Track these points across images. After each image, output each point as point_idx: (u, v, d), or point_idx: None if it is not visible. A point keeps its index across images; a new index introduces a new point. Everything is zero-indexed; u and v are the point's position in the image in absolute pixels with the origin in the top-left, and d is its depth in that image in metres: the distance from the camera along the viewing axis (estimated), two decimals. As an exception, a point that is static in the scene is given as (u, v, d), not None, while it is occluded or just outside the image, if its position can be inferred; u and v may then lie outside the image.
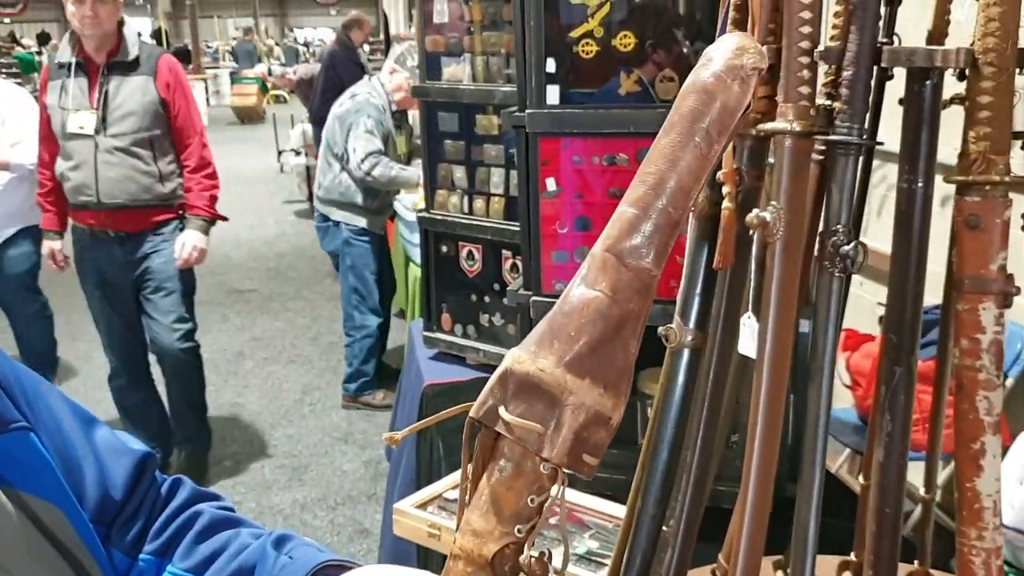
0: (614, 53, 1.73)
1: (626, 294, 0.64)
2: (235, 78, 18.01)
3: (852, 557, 1.38)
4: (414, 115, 4.44)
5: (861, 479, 1.27)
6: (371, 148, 3.88)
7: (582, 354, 0.62)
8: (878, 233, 1.08)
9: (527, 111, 1.79)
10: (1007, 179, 0.85)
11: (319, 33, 28.35)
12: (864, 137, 0.89)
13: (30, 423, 0.72)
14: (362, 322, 4.22)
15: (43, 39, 22.37)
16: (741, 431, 1.77)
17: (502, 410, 0.62)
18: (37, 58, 17.94)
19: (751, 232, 0.96)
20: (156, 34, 23.38)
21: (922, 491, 1.40)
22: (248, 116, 16.02)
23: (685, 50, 1.69)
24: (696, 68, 0.71)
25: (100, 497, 0.78)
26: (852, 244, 0.89)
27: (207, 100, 18.05)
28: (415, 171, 3.85)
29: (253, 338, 5.48)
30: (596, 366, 0.62)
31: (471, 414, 0.64)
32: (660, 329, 1.09)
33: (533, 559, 0.61)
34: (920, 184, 1.03)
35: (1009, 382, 2.88)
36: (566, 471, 0.63)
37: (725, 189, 0.99)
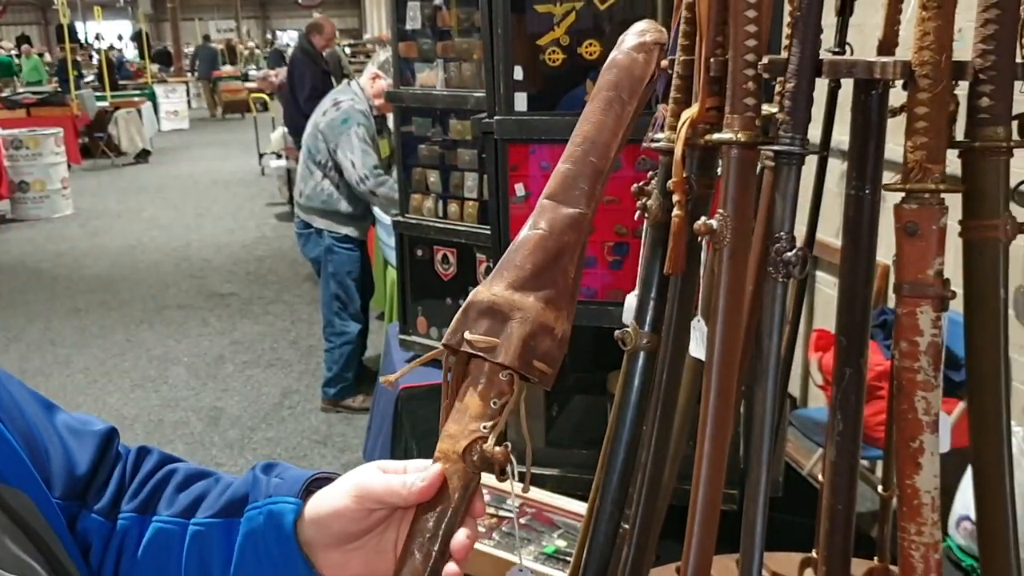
0: (580, 61, 1.76)
1: (561, 229, 0.78)
2: (219, 79, 19.04)
3: (814, 554, 1.42)
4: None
5: (820, 477, 1.30)
6: (371, 163, 3.85)
7: (526, 278, 0.76)
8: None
9: (495, 118, 1.81)
10: (942, 187, 0.88)
11: (301, 35, 28.29)
12: (806, 147, 0.92)
13: None
14: (342, 328, 4.22)
15: (23, 42, 22.23)
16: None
17: (466, 333, 0.74)
18: (15, 61, 17.83)
19: (700, 239, 0.99)
20: (137, 36, 23.27)
21: (881, 488, 1.44)
22: (238, 108, 17.22)
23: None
24: (613, 51, 0.91)
25: (67, 476, 0.79)
26: (794, 251, 0.91)
27: (188, 103, 18.08)
28: None
29: (233, 342, 5.48)
30: (538, 286, 0.76)
31: (443, 341, 0.77)
32: (617, 333, 1.12)
33: (496, 448, 0.72)
34: (868, 191, 1.06)
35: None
36: (526, 377, 0.74)
37: (675, 197, 1.01)
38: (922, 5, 0.88)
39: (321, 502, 0.76)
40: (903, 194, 0.91)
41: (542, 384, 0.75)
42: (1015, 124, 0.91)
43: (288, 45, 21.16)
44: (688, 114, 1.00)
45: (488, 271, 2.65)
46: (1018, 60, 0.92)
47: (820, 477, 1.18)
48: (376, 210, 4.19)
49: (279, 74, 9.83)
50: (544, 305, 0.75)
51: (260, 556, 0.76)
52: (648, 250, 1.11)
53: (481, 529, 1.67)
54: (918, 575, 0.90)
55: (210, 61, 19.83)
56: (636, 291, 1.12)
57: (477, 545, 1.64)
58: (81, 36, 23.13)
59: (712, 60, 0.97)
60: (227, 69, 20.04)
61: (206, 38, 23.62)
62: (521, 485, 0.75)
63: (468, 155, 2.53)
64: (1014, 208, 0.93)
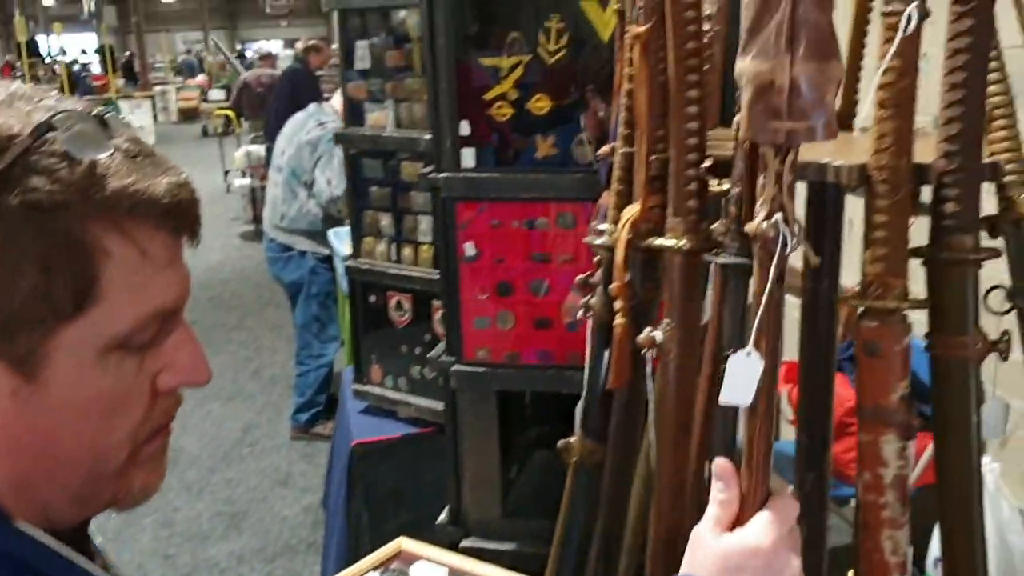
0: (529, 116, 1.67)
1: None
2: (181, 87, 20.40)
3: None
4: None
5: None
6: (344, 186, 3.85)
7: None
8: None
9: (442, 175, 1.72)
10: (905, 305, 0.80)
11: (271, 45, 28.10)
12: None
13: None
14: (320, 351, 4.14)
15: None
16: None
17: None
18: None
19: (643, 352, 0.90)
20: (101, 50, 22.97)
21: None
22: (190, 116, 18.49)
23: (601, 113, 1.63)
24: None
25: None
26: (746, 372, 0.83)
27: (154, 117, 17.86)
28: None
29: (193, 374, 5.33)
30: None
31: None
32: (560, 443, 1.03)
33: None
34: (825, 285, 0.98)
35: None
36: None
37: (617, 304, 0.93)
38: (879, 103, 0.80)
39: None
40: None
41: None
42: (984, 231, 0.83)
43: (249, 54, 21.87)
44: (629, 214, 0.92)
45: (444, 318, 2.56)
46: (984, 160, 0.84)
47: None
48: (334, 241, 4.07)
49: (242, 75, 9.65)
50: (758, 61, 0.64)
51: None
52: (592, 353, 1.02)
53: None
54: None
55: (190, 70, 21.76)
56: (583, 396, 1.03)
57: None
58: (44, 50, 22.74)
59: (653, 159, 0.88)
60: (200, 79, 20.48)
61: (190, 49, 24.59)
62: None
63: (422, 198, 2.43)
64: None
